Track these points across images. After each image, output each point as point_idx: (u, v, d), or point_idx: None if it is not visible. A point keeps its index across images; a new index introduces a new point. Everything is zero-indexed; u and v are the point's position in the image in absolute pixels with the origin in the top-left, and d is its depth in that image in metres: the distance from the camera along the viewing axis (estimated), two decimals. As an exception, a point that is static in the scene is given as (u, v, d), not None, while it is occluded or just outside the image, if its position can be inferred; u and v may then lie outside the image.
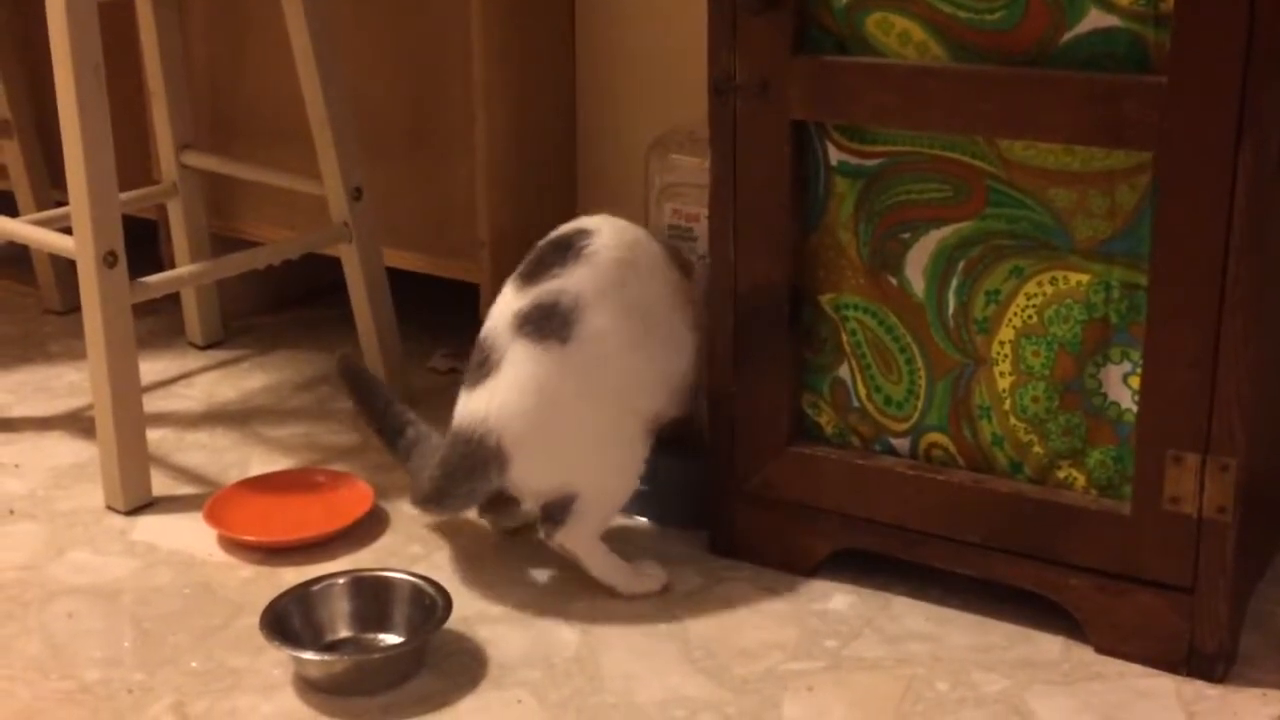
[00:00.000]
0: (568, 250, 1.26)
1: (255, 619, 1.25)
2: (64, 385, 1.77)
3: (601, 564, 1.30)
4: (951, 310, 1.26)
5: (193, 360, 1.85)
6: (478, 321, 1.58)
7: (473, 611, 1.30)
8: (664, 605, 1.31)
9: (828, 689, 1.19)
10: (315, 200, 1.73)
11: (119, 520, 1.46)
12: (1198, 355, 1.12)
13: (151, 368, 1.80)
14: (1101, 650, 1.23)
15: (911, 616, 1.29)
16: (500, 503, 1.34)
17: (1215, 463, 1.14)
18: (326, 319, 1.99)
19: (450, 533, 1.42)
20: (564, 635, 1.26)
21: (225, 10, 1.81)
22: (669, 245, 1.37)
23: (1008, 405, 1.26)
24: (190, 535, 1.43)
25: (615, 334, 1.26)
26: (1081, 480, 1.24)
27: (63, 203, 1.74)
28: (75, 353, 1.85)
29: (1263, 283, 1.13)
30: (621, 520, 1.42)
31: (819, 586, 1.36)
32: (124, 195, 1.59)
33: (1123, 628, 1.21)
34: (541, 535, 1.29)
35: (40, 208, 1.93)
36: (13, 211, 1.90)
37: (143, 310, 1.72)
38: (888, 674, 1.21)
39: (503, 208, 1.73)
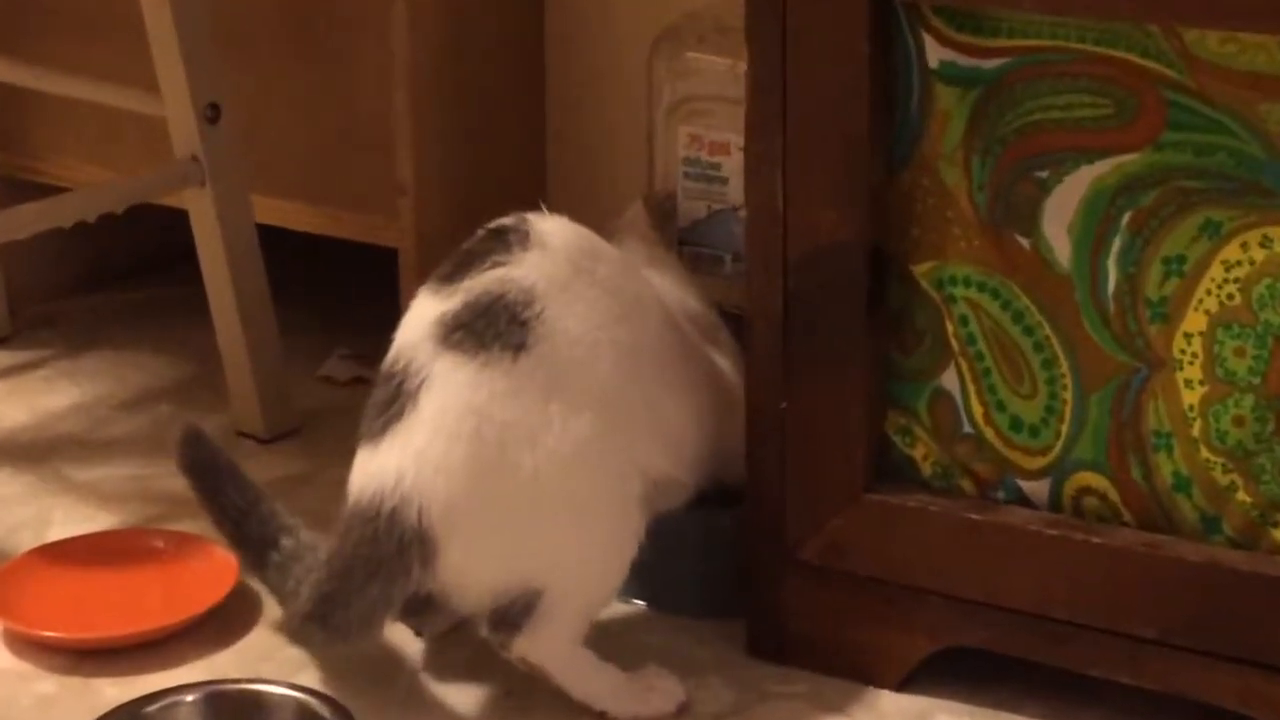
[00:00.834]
0: (508, 236, 1.30)
1: (60, 757, 1.26)
2: None
3: (584, 679, 1.32)
4: (1112, 286, 1.27)
5: (-41, 366, 1.87)
6: (396, 304, 1.61)
7: (386, 745, 1.30)
8: (680, 736, 1.32)
9: None
10: (149, 124, 1.75)
11: None
12: None
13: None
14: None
15: (1053, 751, 1.31)
16: (423, 604, 1.35)
17: None
18: (165, 303, 2.01)
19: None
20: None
21: None
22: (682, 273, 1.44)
23: (1197, 430, 1.28)
24: (-41, 630, 1.44)
25: (594, 337, 1.28)
26: (1309, 543, 1.27)
27: None
28: None
29: None
30: (613, 606, 1.44)
31: (912, 705, 1.36)
32: None
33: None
34: (494, 645, 1.31)
35: None
36: None
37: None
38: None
39: (432, 136, 1.74)
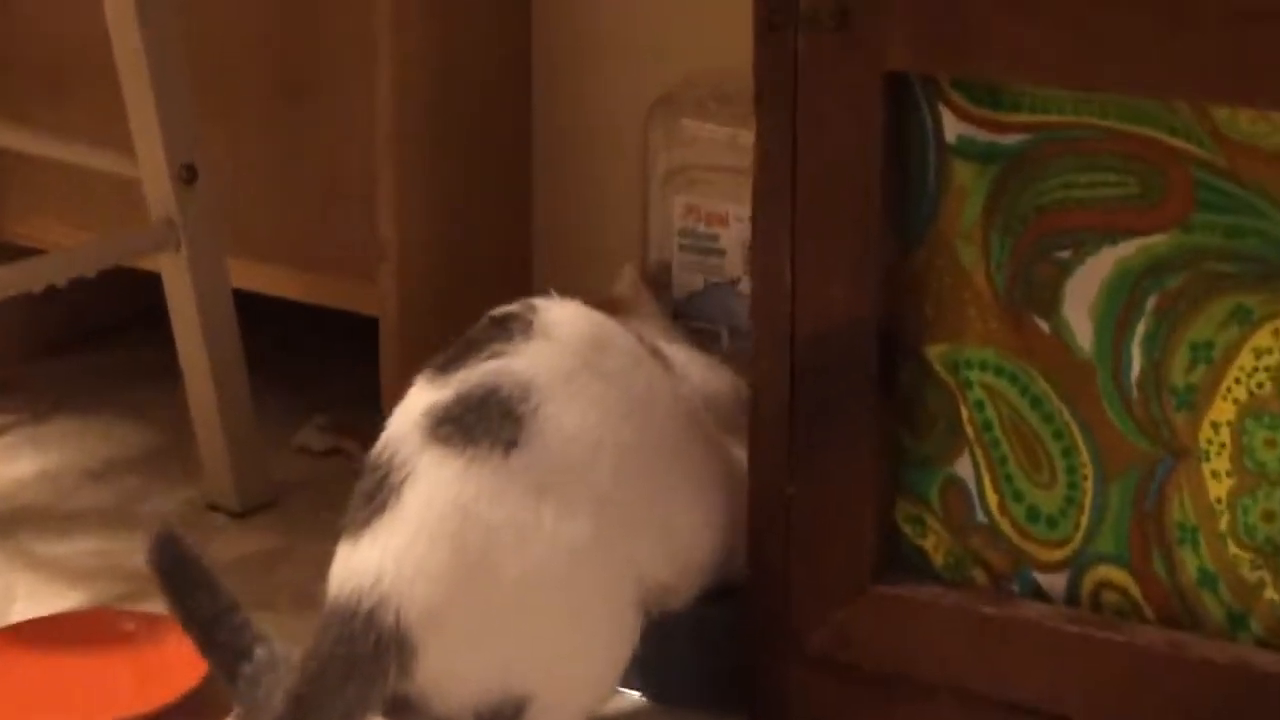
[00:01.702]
0: (512, 324, 1.28)
1: None
2: None
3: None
4: (1136, 372, 1.26)
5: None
6: (376, 372, 1.63)
7: None
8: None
9: None
10: (124, 183, 1.73)
11: None
12: None
13: None
14: None
15: None
16: (401, 706, 1.30)
17: None
18: (134, 368, 1.99)
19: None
20: None
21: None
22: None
23: (1224, 524, 1.26)
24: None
25: (596, 435, 1.26)
26: (1344, 643, 1.25)
27: None
28: None
29: None
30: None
31: (923, 808, 1.34)
32: None
33: None
34: None
35: None
36: None
37: None
38: None
39: (416, 200, 1.74)
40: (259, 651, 1.29)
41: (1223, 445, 1.24)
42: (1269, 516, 1.25)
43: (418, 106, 1.71)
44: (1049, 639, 1.29)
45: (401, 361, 1.69)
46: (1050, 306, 1.28)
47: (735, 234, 1.52)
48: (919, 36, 1.25)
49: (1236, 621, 1.27)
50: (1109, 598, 1.30)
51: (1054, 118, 1.25)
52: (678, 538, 1.32)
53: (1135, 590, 1.29)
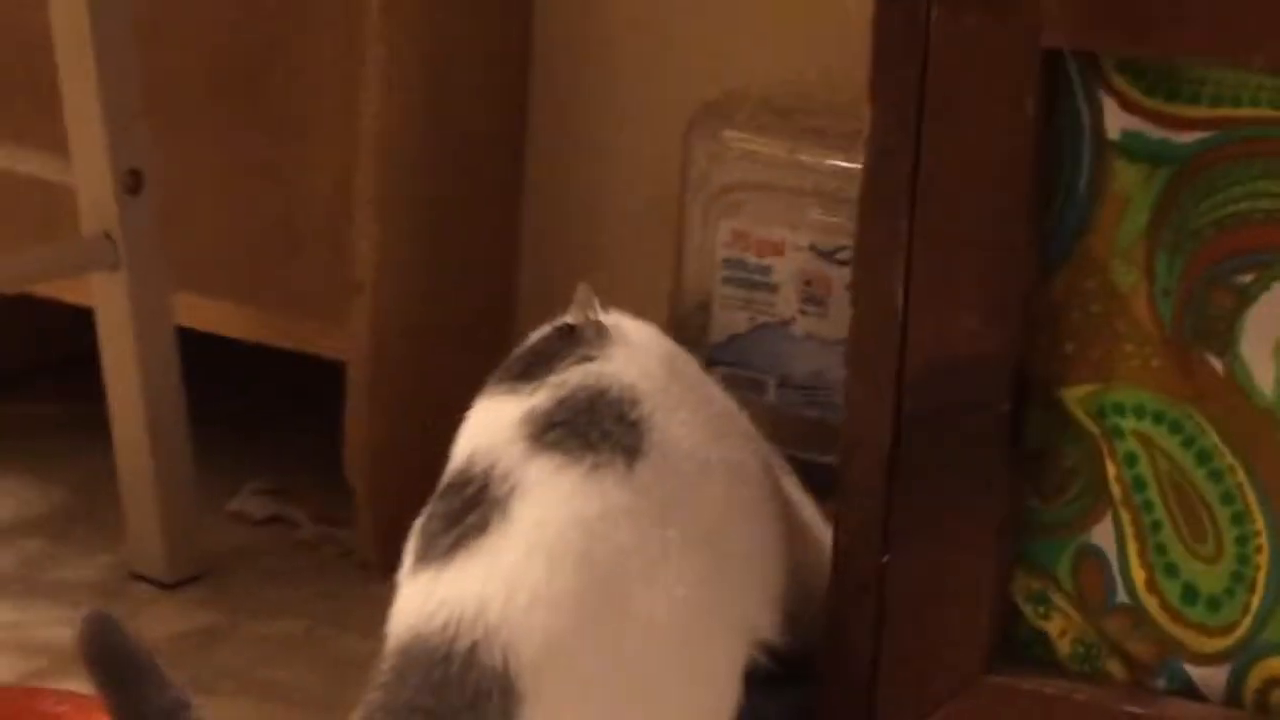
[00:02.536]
0: (582, 332, 1.21)
1: None
2: None
3: None
4: None
5: None
6: (330, 429, 1.60)
7: None
8: None
9: None
10: (52, 193, 1.66)
11: None
12: None
13: None
14: None
15: None
16: None
17: None
18: (39, 420, 1.94)
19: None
20: None
21: None
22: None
23: None
24: None
25: (704, 453, 1.19)
26: None
27: None
28: None
29: None
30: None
31: None
32: None
33: None
34: None
35: None
36: None
37: None
38: None
39: (399, 226, 1.64)
40: None
41: None
42: None
43: (409, 113, 1.64)
44: (1205, 748, 1.21)
45: (370, 415, 1.63)
46: (1226, 342, 1.18)
47: (791, 265, 1.45)
48: (1081, 5, 1.16)
49: None
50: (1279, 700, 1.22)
51: (1244, 111, 1.15)
52: (770, 581, 1.24)
53: (1315, 691, 1.21)
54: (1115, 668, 1.22)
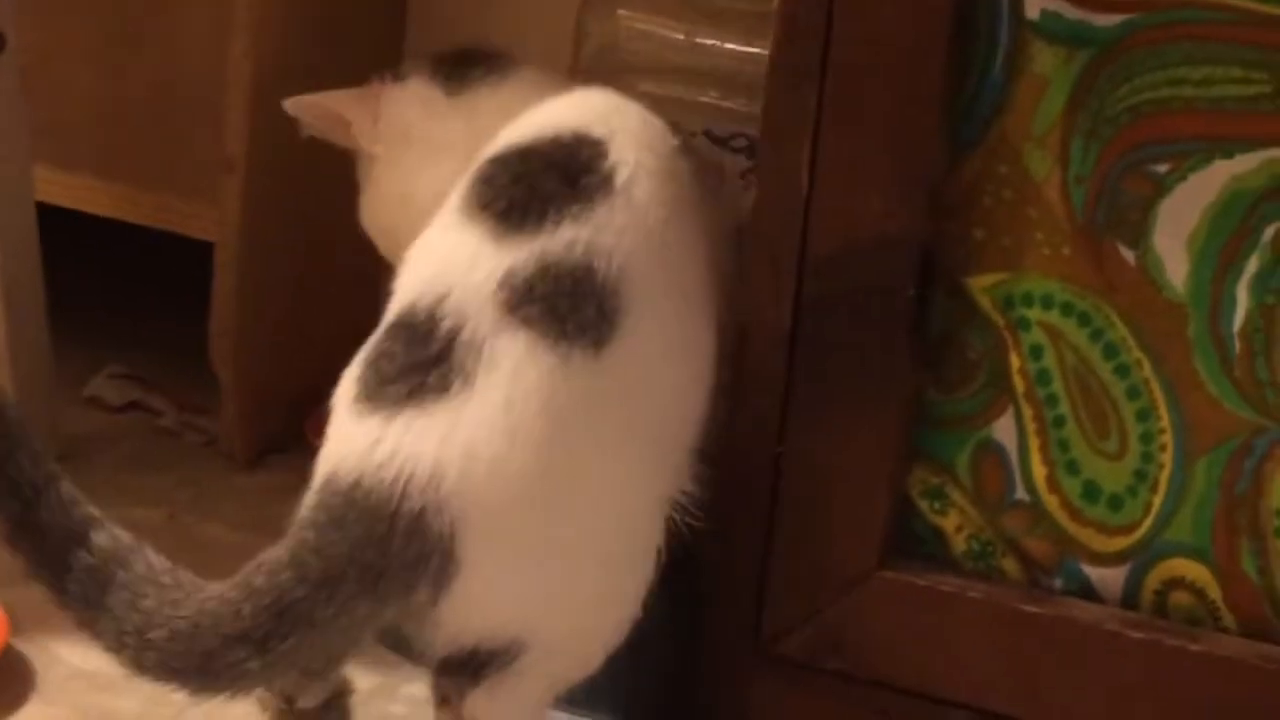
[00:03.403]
0: (579, 172, 1.19)
1: None
2: None
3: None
4: (1240, 320, 1.17)
5: None
6: (196, 312, 1.57)
7: None
8: None
9: None
10: None
11: None
12: None
13: None
14: None
15: None
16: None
17: None
18: None
19: (159, 700, 1.25)
20: None
21: None
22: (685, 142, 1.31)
23: None
24: None
25: (664, 340, 1.19)
26: None
27: None
28: None
29: None
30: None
31: None
32: None
33: None
34: (432, 696, 1.19)
35: None
36: None
37: None
38: None
39: (274, 99, 1.56)
40: (98, 539, 1.13)
41: (1343, 417, 1.16)
42: (1396, 505, 1.17)
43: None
44: (1105, 647, 1.19)
45: (238, 300, 1.58)
46: (1139, 232, 1.18)
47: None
48: None
49: (1346, 634, 1.19)
50: (1180, 600, 1.21)
51: (1168, -7, 1.16)
52: (692, 437, 1.23)
53: (1215, 592, 1.20)
54: (1011, 566, 1.22)
